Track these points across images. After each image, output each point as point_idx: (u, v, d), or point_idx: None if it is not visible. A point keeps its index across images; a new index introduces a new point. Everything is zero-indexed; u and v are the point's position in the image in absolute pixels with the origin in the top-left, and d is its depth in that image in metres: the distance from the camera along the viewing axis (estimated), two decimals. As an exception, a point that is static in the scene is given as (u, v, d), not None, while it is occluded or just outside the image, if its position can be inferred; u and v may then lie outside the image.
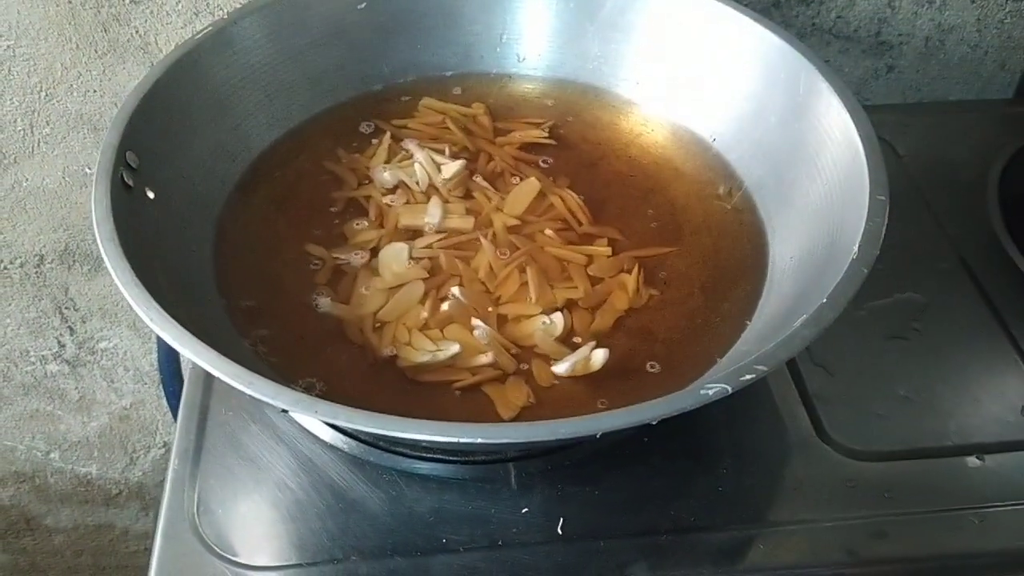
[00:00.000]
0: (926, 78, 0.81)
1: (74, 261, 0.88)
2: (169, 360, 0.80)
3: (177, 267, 0.52)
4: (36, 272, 0.89)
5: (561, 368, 0.50)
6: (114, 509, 1.19)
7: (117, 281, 0.43)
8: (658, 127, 0.65)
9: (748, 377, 0.40)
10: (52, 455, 1.10)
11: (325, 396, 0.46)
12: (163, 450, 1.12)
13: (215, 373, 0.39)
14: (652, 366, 0.51)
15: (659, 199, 0.61)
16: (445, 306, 0.53)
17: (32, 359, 0.98)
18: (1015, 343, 0.60)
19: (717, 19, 0.61)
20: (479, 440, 0.37)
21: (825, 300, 0.43)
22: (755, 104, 0.61)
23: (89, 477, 1.14)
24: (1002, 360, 0.59)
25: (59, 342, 0.96)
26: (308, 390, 0.49)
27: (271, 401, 0.39)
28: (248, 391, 0.39)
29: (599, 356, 0.50)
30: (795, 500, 0.52)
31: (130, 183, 0.50)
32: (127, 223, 0.47)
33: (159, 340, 0.79)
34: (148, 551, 1.24)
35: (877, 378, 0.57)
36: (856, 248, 0.46)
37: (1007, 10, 0.77)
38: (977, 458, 0.53)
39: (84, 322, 0.95)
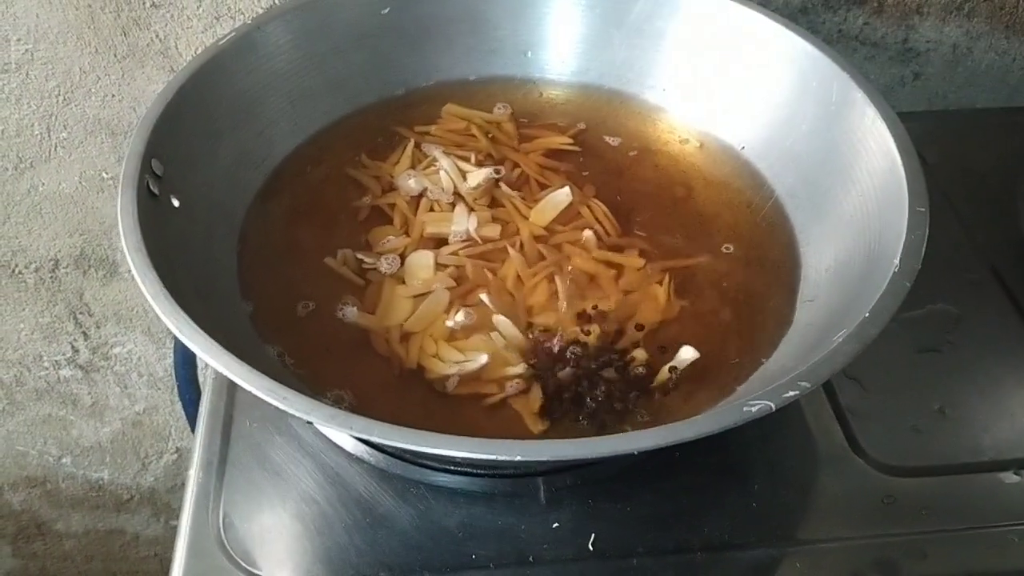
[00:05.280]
0: (953, 85, 0.80)
1: (89, 266, 0.88)
2: (185, 367, 0.79)
3: (201, 276, 0.51)
4: (51, 277, 0.88)
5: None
6: (125, 515, 1.19)
7: (145, 292, 0.42)
8: (686, 134, 0.64)
9: (791, 394, 0.39)
10: (64, 460, 1.09)
11: (354, 409, 0.45)
12: (175, 456, 1.11)
13: (247, 387, 0.39)
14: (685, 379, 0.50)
15: (688, 208, 0.60)
16: (461, 316, 0.52)
17: (46, 364, 0.97)
18: (1050, 355, 0.59)
19: (746, 25, 0.61)
20: (518, 457, 0.37)
21: (867, 315, 0.42)
22: (786, 112, 0.60)
23: (101, 482, 1.13)
24: (1036, 373, 0.58)
25: (73, 347, 0.95)
26: (337, 402, 0.48)
27: (306, 417, 0.38)
28: (282, 406, 0.38)
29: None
30: (830, 517, 0.51)
31: (155, 191, 0.49)
32: (153, 232, 0.46)
33: (176, 346, 0.78)
34: (158, 556, 1.23)
35: (911, 392, 0.56)
36: (897, 261, 0.45)
37: (1036, 17, 0.76)
38: (1015, 473, 0.52)
39: (98, 327, 0.94)
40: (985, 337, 0.60)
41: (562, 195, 0.59)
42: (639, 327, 0.52)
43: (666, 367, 0.50)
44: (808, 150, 0.58)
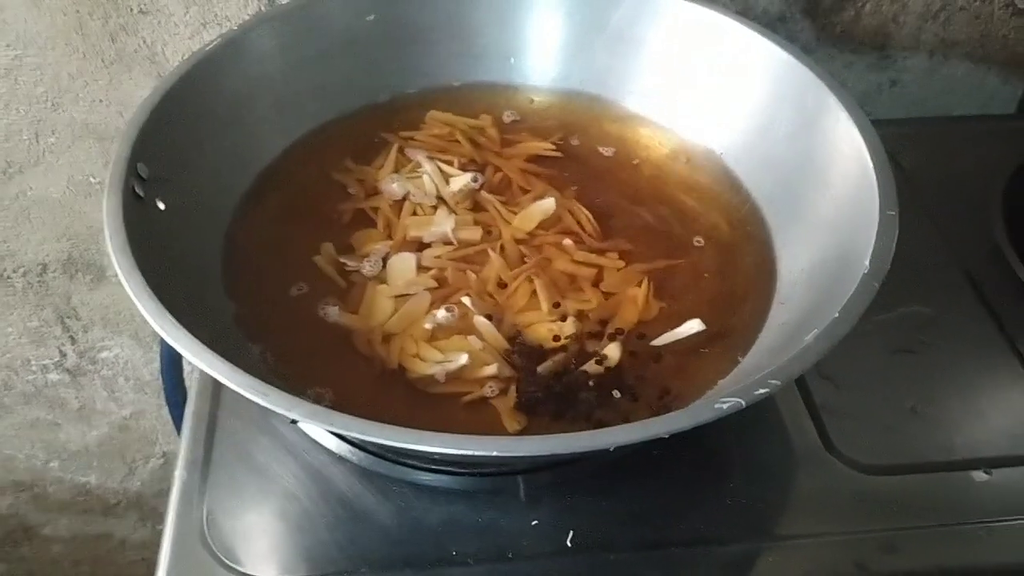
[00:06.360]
0: (930, 93, 0.82)
1: (77, 271, 0.88)
2: (172, 370, 0.79)
3: (186, 277, 0.51)
4: (39, 281, 0.89)
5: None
6: (112, 519, 1.19)
7: (130, 293, 0.43)
8: (665, 140, 0.65)
9: (762, 391, 0.40)
10: (52, 464, 1.09)
11: (335, 407, 0.46)
12: (162, 460, 1.11)
13: (230, 385, 0.39)
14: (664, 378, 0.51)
15: (666, 211, 0.61)
16: (442, 312, 0.53)
17: (33, 368, 0.97)
18: (1020, 357, 0.60)
19: (725, 33, 0.62)
20: (495, 453, 0.37)
21: (838, 314, 0.43)
22: (763, 118, 0.61)
23: (88, 486, 1.14)
24: (1008, 374, 0.59)
25: (60, 351, 0.96)
26: (318, 400, 0.49)
27: (286, 413, 0.38)
28: (263, 403, 0.39)
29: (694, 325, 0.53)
30: (804, 513, 0.52)
31: (141, 194, 0.50)
32: (138, 234, 0.47)
33: (162, 350, 0.78)
34: (145, 561, 1.23)
35: (884, 391, 0.57)
36: (867, 262, 0.46)
37: (1011, 26, 0.77)
38: (984, 472, 0.53)
39: (86, 331, 0.94)
40: (958, 339, 0.61)
41: (547, 204, 0.60)
42: (619, 331, 0.53)
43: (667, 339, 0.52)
44: (785, 155, 0.59)
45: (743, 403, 0.39)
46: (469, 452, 0.37)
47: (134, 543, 1.22)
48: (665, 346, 0.53)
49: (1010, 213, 0.68)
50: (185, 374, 0.78)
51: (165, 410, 0.99)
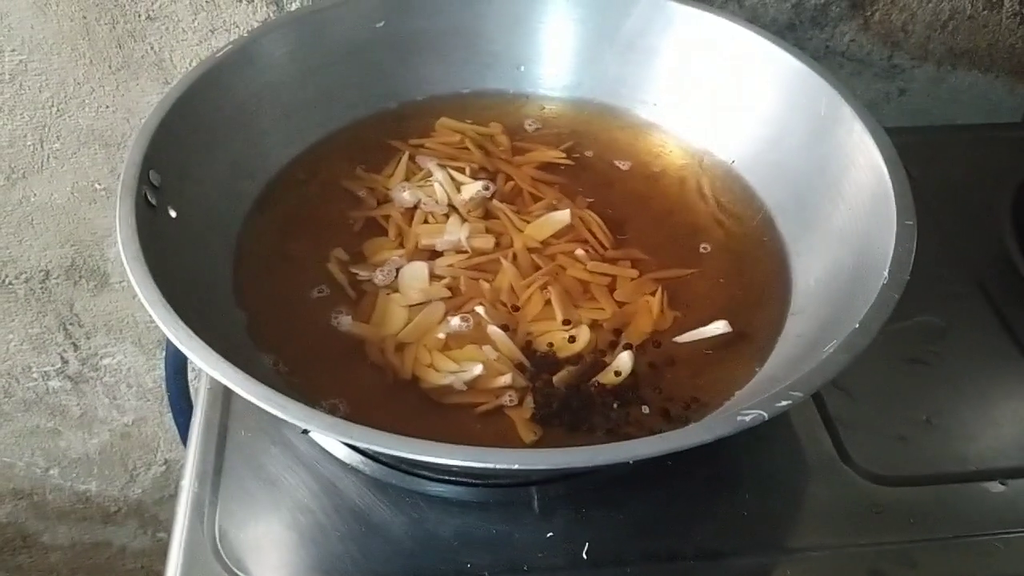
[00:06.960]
0: (936, 102, 0.82)
1: (80, 277, 0.88)
2: (176, 378, 0.79)
3: (198, 286, 0.51)
4: (41, 287, 0.88)
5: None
6: (112, 527, 1.18)
7: (145, 303, 0.42)
8: (677, 148, 0.65)
9: (784, 403, 0.40)
10: (52, 472, 1.09)
11: (349, 418, 0.46)
12: (164, 467, 1.10)
13: (248, 397, 0.39)
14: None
15: (679, 220, 0.61)
16: (456, 321, 0.53)
17: (34, 375, 0.97)
18: (1033, 367, 0.60)
19: (736, 41, 0.62)
20: (516, 466, 0.37)
21: (857, 326, 0.43)
22: (775, 127, 0.61)
23: (88, 494, 1.13)
24: (1021, 383, 0.59)
25: (62, 358, 0.95)
26: (332, 411, 0.49)
27: (304, 425, 0.38)
28: (280, 414, 0.38)
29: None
30: (819, 525, 0.51)
31: (153, 202, 0.49)
32: (151, 243, 0.46)
33: (167, 358, 0.78)
34: (144, 569, 1.22)
35: (898, 402, 0.57)
36: (886, 273, 0.46)
37: (1019, 35, 0.78)
38: (1000, 483, 0.53)
39: (88, 338, 0.94)
40: (970, 348, 0.61)
41: (561, 216, 0.59)
42: (633, 344, 0.53)
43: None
44: (797, 164, 0.59)
45: (766, 415, 0.39)
46: (492, 465, 0.37)
47: (133, 551, 1.21)
48: (680, 355, 0.52)
49: (1019, 222, 0.68)
50: (190, 383, 0.78)
51: (167, 417, 0.99)
